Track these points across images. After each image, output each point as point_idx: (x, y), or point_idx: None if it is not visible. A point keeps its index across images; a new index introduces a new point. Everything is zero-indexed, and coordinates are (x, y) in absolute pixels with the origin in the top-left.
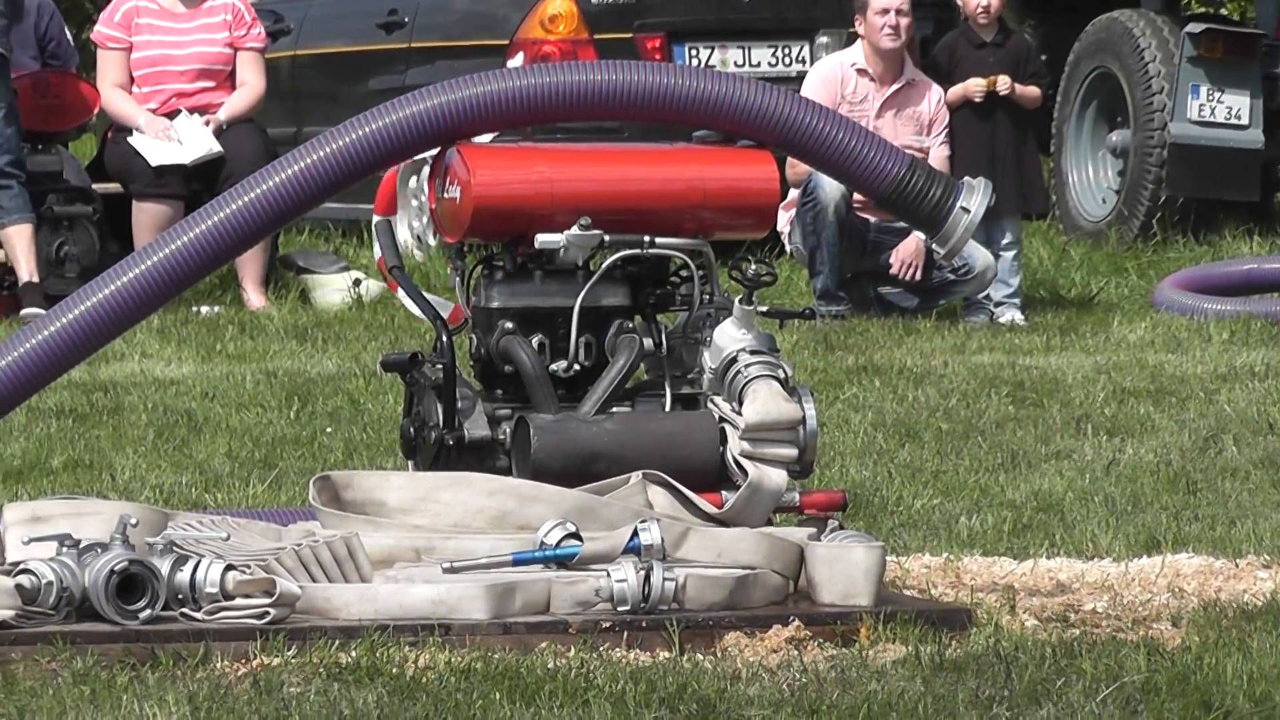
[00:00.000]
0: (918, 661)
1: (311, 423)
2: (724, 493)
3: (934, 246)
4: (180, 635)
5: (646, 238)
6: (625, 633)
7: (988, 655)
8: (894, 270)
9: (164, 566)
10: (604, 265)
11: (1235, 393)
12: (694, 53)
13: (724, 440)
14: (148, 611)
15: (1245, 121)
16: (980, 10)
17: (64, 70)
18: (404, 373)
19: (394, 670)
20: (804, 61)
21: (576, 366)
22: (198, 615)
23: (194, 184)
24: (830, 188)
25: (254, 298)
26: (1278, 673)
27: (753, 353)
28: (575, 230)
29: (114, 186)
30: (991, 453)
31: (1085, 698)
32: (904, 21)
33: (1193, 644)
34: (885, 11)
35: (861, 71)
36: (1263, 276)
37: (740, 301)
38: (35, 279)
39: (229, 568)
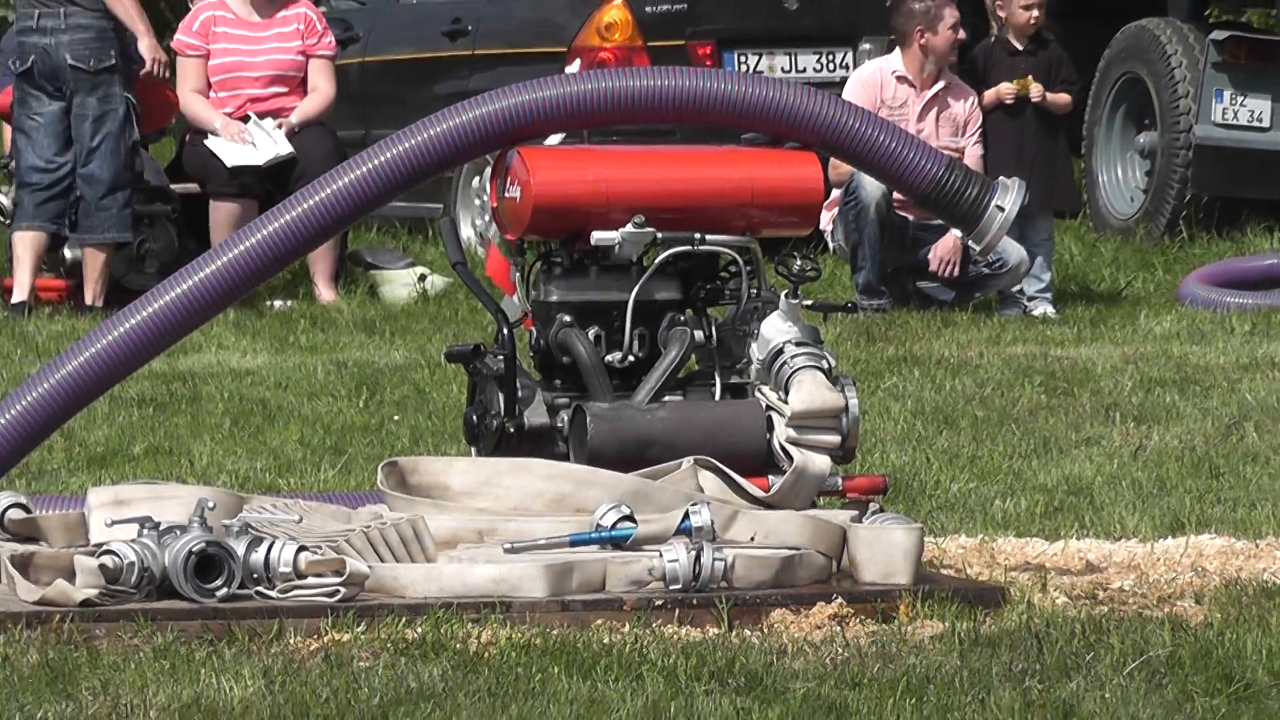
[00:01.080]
0: (954, 637)
1: (379, 411)
2: (771, 477)
3: (970, 243)
4: (255, 613)
5: (697, 235)
6: (677, 610)
7: (1020, 631)
8: (932, 266)
9: (240, 547)
10: (656, 261)
11: (1257, 382)
12: (742, 59)
13: (770, 428)
14: (224, 590)
15: (1267, 124)
16: (1028, 22)
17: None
18: (467, 363)
19: (457, 645)
20: (847, 67)
21: (631, 358)
22: (272, 594)
23: (267, 184)
24: (871, 187)
25: (325, 292)
26: None
27: (798, 344)
28: (629, 228)
29: (192, 186)
30: (1024, 439)
31: (1113, 671)
32: (962, 37)
33: (1215, 620)
34: (954, 26)
35: (901, 77)
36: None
37: (786, 296)
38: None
39: (301, 548)
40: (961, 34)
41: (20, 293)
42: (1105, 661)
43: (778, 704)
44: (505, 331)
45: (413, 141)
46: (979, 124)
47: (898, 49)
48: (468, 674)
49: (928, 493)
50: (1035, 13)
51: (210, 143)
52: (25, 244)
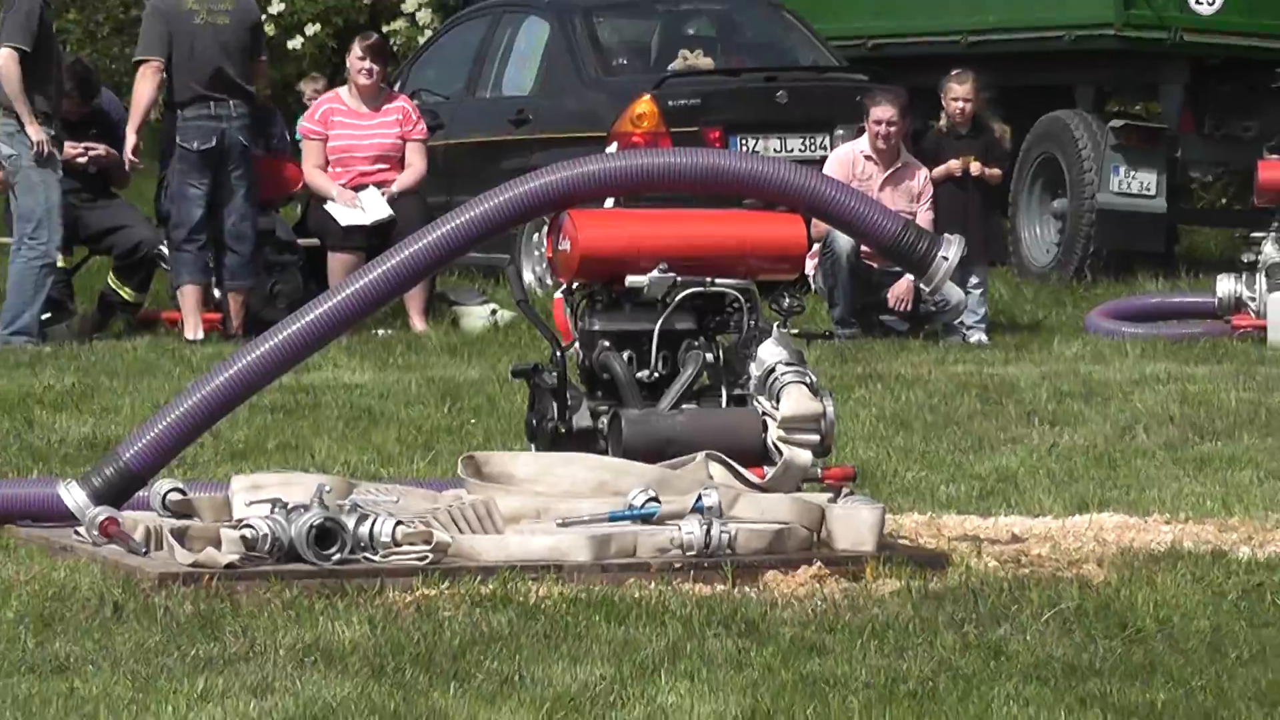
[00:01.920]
0: (908, 592)
1: (459, 416)
2: (765, 468)
3: (921, 285)
4: (361, 573)
5: (708, 279)
6: (692, 571)
7: (960, 588)
8: (891, 303)
9: (350, 522)
10: (676, 299)
11: (1145, 394)
12: (744, 141)
13: (765, 429)
14: (338, 556)
15: (1153, 193)
16: (959, 112)
17: (278, 155)
18: (528, 379)
19: (520, 599)
20: (825, 148)
21: (656, 374)
22: (375, 558)
23: (373, 240)
24: (843, 241)
25: (418, 323)
26: (1175, 601)
27: (787, 364)
28: (655, 274)
29: (314, 241)
30: (964, 438)
31: (1032, 619)
32: (892, 129)
33: (1112, 580)
34: (879, 123)
35: (868, 156)
36: (1167, 308)
37: (778, 326)
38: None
39: (398, 523)
40: (890, 129)
41: (195, 333)
42: (1026, 612)
43: (770, 644)
44: (558, 354)
45: (485, 206)
46: (930, 195)
47: (866, 134)
48: (528, 621)
49: (888, 480)
50: (963, 105)
51: (328, 207)
52: (194, 297)
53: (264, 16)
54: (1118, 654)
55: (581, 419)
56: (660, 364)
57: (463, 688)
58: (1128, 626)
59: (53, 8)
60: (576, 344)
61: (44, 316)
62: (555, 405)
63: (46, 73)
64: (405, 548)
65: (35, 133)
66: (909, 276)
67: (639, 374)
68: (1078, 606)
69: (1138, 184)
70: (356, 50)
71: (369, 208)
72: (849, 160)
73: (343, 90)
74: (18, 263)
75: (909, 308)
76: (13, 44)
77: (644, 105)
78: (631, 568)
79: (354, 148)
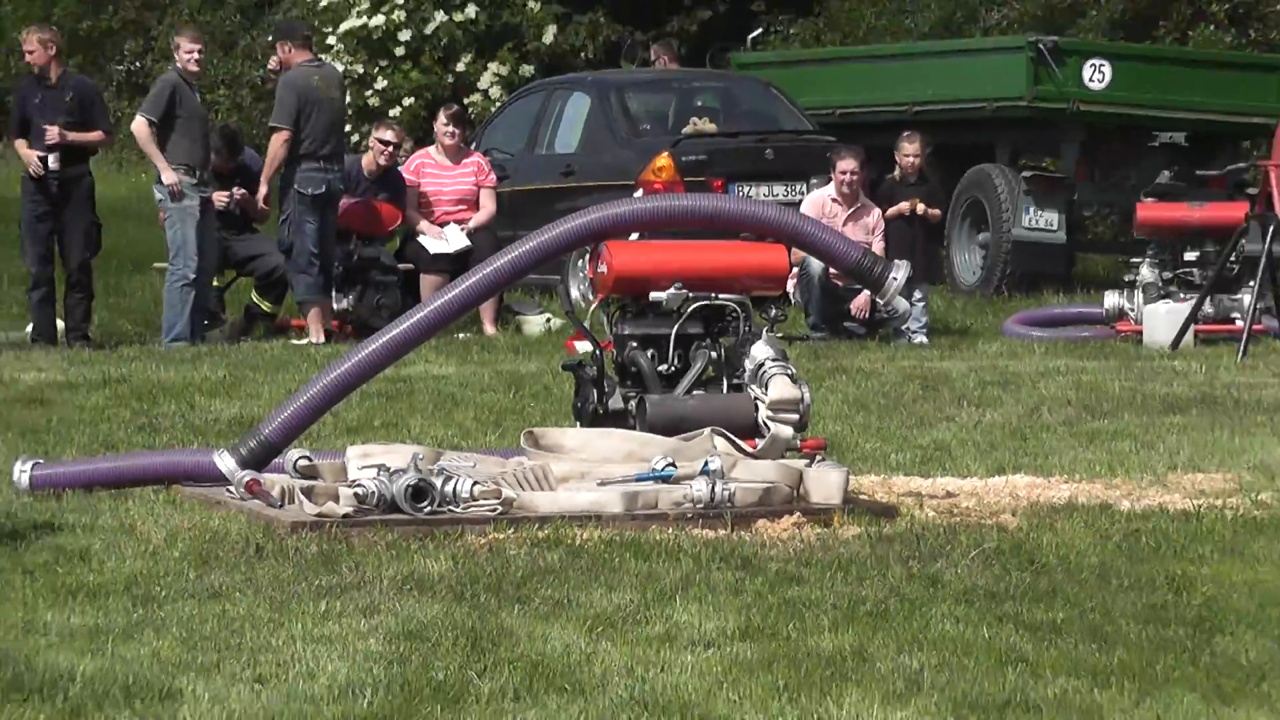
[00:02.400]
0: (867, 536)
1: (522, 400)
2: (757, 440)
3: (877, 299)
4: (446, 522)
5: (713, 294)
6: (700, 520)
7: (906, 532)
8: (854, 313)
9: (438, 482)
10: (689, 310)
11: (1049, 383)
12: (740, 188)
13: (756, 410)
14: (429, 508)
15: (1056, 228)
16: (910, 165)
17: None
18: (575, 371)
19: (568, 541)
20: (802, 193)
21: (673, 368)
22: (457, 511)
23: (455, 265)
24: (816, 265)
25: (489, 328)
26: (1071, 542)
27: (773, 360)
28: (672, 290)
29: (409, 265)
30: (909, 417)
31: (961, 556)
32: (854, 178)
33: (1023, 526)
34: (843, 173)
35: (835, 199)
36: (1066, 317)
37: (766, 330)
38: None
39: (475, 483)
40: (853, 178)
41: (318, 337)
42: (957, 550)
43: (760, 575)
44: (598, 353)
45: (542, 238)
46: (882, 229)
47: (832, 183)
48: (574, 558)
49: (850, 449)
50: (912, 159)
51: (420, 239)
52: (321, 314)
53: (370, 91)
54: (1027, 583)
55: (615, 403)
56: (675, 360)
57: (524, 609)
58: (1035, 562)
59: (193, 86)
60: (610, 343)
61: (205, 324)
62: (595, 392)
63: (191, 134)
64: (480, 502)
65: (168, 177)
66: (867, 292)
67: (659, 368)
68: (996, 547)
69: (1043, 221)
70: (442, 118)
71: (452, 240)
72: (820, 203)
73: (431, 149)
74: (167, 283)
75: (867, 316)
76: (145, 115)
77: (663, 160)
78: (654, 517)
79: (439, 193)
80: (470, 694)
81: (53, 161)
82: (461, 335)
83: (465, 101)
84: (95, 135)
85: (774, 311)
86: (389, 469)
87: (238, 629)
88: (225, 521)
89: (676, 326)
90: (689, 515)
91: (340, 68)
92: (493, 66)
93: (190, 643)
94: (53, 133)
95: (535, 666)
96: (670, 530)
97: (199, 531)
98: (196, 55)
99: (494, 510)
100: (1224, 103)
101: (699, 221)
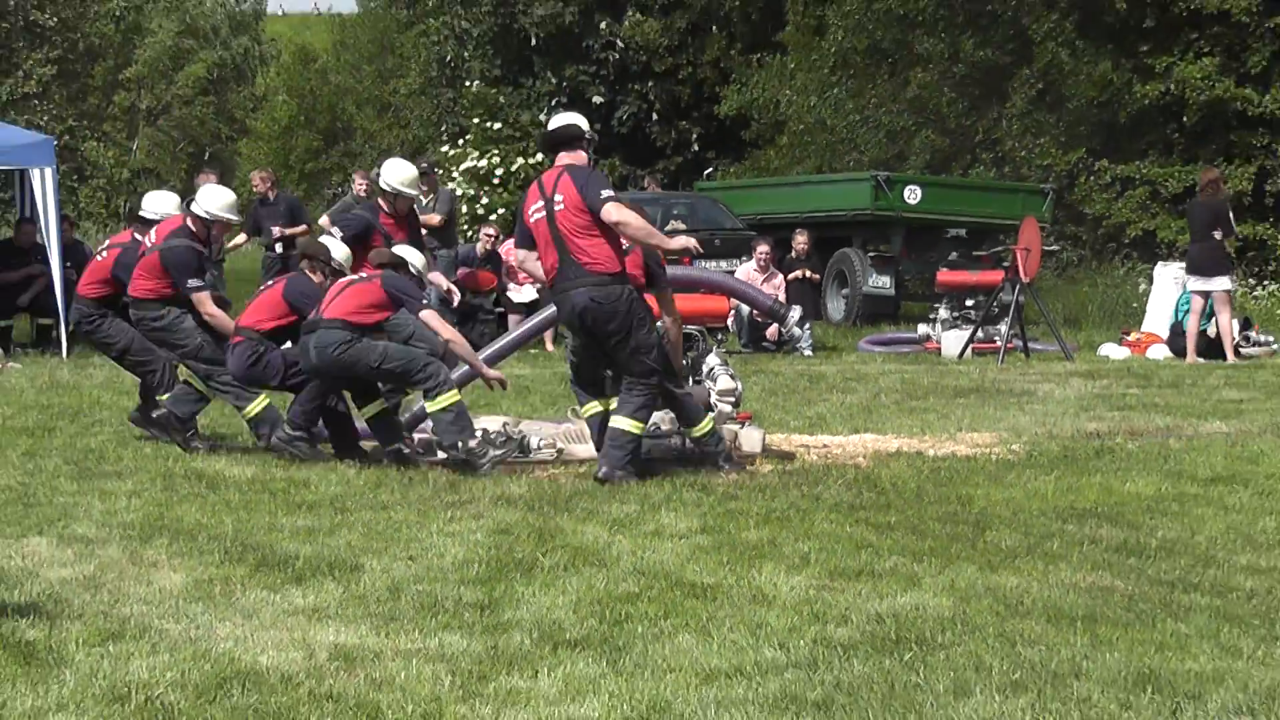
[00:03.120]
0: (777, 471)
1: (569, 390)
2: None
3: (782, 329)
4: (522, 462)
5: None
6: (678, 460)
7: (800, 469)
8: (768, 337)
9: (518, 437)
10: None
11: (887, 379)
12: (700, 263)
13: (709, 395)
14: (502, 455)
15: (889, 287)
16: (802, 250)
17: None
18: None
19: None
20: (736, 266)
21: None
22: (528, 456)
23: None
24: (745, 308)
25: (549, 346)
26: (900, 474)
27: (720, 365)
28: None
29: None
30: (803, 399)
31: (833, 484)
32: (767, 257)
33: (872, 465)
34: (761, 254)
35: (756, 270)
36: (895, 339)
37: (715, 347)
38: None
39: (540, 439)
40: (768, 256)
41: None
42: (830, 479)
43: (712, 495)
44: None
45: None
46: (784, 287)
47: (754, 259)
48: (600, 485)
49: (766, 419)
50: (802, 245)
51: (509, 293)
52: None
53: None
54: (873, 499)
55: None
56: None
57: (569, 515)
58: (877, 486)
59: (360, 203)
60: None
61: None
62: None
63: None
64: (542, 450)
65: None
66: (776, 324)
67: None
68: (853, 477)
69: (881, 282)
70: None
71: (525, 294)
72: (747, 272)
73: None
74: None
75: (776, 339)
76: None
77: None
78: (649, 460)
79: (523, 264)
80: (538, 565)
81: (277, 247)
82: (533, 350)
83: None
84: (300, 229)
85: (719, 335)
86: (487, 431)
87: (397, 528)
88: (390, 464)
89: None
90: (671, 458)
91: (459, 192)
92: None
93: (369, 536)
94: (275, 231)
95: (576, 550)
96: (658, 467)
97: (371, 469)
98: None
99: (551, 456)
100: (988, 211)
101: (694, 283)
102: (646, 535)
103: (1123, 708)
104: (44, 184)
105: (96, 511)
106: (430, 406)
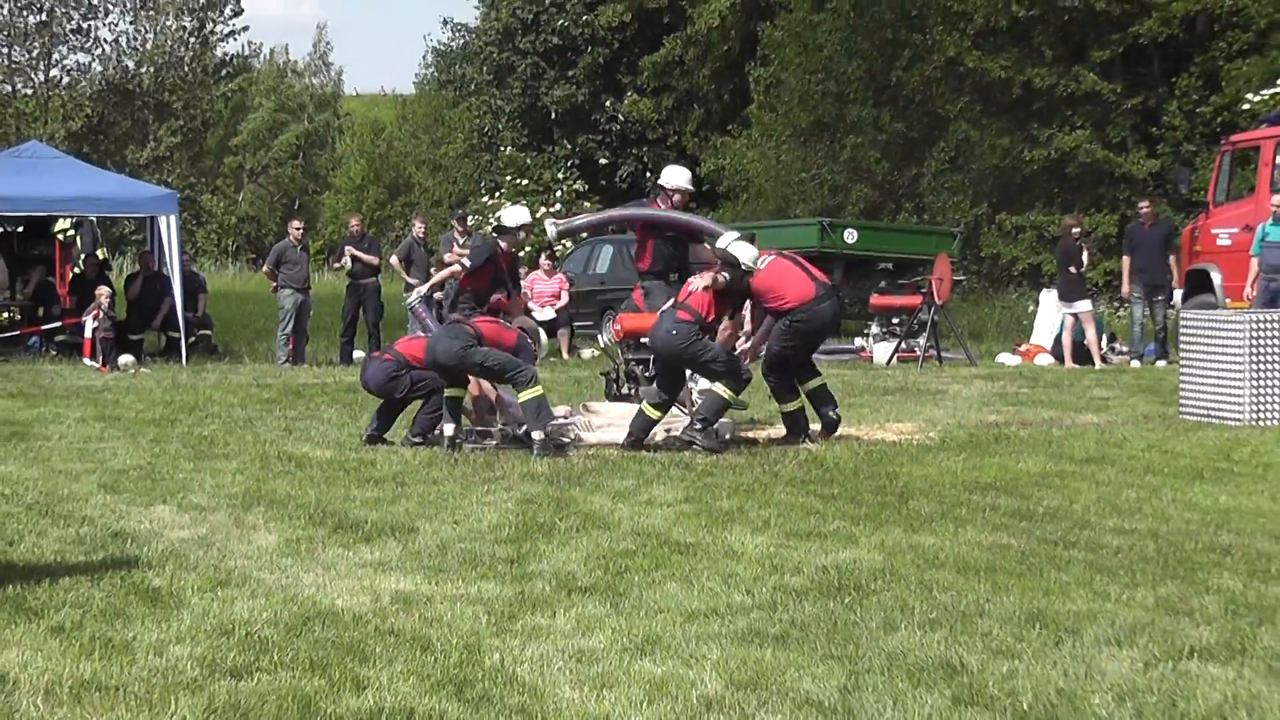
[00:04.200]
0: (744, 453)
1: (581, 388)
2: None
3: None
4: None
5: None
6: (667, 445)
7: (763, 451)
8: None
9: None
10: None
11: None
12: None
13: (692, 394)
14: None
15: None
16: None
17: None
18: (606, 375)
19: (604, 456)
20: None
21: (650, 374)
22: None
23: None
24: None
25: (565, 355)
26: (840, 455)
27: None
28: (646, 338)
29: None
30: (763, 395)
31: (789, 462)
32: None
33: (822, 447)
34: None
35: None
36: (838, 349)
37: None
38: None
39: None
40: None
41: None
42: (786, 459)
43: (693, 472)
44: (616, 364)
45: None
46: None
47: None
48: (605, 463)
49: (734, 413)
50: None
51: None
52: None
53: None
54: (820, 475)
55: (626, 391)
56: (652, 370)
57: (581, 488)
58: (823, 465)
59: (419, 243)
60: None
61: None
62: (614, 386)
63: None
64: (570, 433)
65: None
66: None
67: (645, 374)
68: (805, 459)
69: None
70: (545, 262)
71: (545, 314)
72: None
73: (540, 270)
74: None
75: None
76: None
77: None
78: (648, 445)
79: (542, 291)
80: (556, 528)
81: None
82: (551, 359)
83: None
84: (374, 259)
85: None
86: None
87: (445, 497)
88: (440, 449)
89: (653, 355)
90: (657, 441)
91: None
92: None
93: (422, 505)
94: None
95: (586, 516)
96: (652, 451)
97: (427, 452)
98: (423, 229)
99: (568, 440)
100: (910, 249)
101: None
102: (641, 504)
103: (1016, 640)
104: (169, 228)
105: (208, 485)
106: (520, 396)
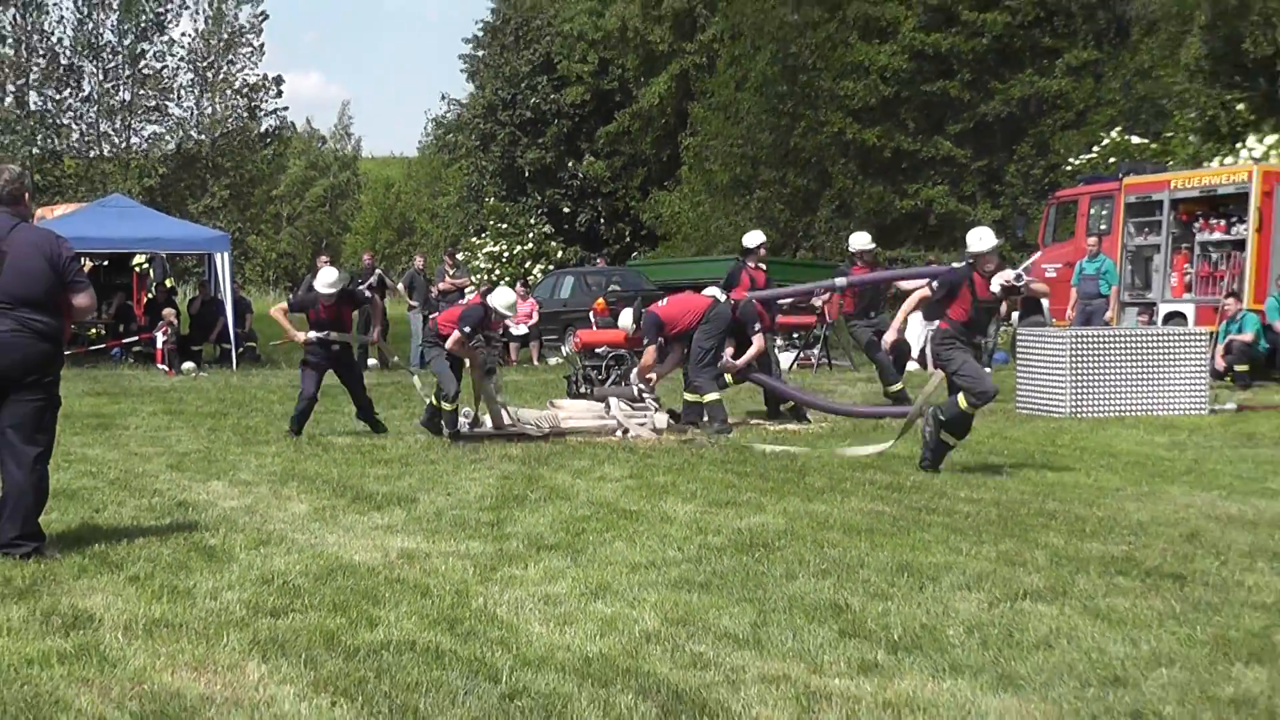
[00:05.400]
0: (676, 441)
1: (548, 389)
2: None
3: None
4: (517, 435)
5: (612, 349)
6: (617, 434)
7: (691, 441)
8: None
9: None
10: (609, 356)
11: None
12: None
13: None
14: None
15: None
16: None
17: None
18: (568, 378)
19: (566, 443)
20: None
21: (603, 377)
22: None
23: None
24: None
25: (535, 362)
26: (762, 442)
27: (636, 374)
28: (603, 348)
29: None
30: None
31: (719, 451)
32: None
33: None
34: None
35: None
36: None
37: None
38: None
39: (527, 421)
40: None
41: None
42: (715, 448)
43: (635, 454)
44: (577, 369)
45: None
46: None
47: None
48: (568, 449)
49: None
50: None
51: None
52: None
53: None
54: (736, 456)
55: (583, 390)
56: (605, 374)
57: (548, 468)
58: (739, 449)
59: (422, 275)
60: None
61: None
62: (574, 386)
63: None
64: (530, 427)
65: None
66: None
67: (599, 378)
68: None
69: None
70: (520, 289)
71: (519, 330)
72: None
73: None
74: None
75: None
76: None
77: (600, 301)
78: (600, 433)
79: (519, 314)
80: (528, 499)
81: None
82: (524, 365)
83: (529, 279)
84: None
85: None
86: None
87: (441, 475)
88: (438, 437)
89: (605, 362)
90: (616, 435)
91: (484, 267)
92: (537, 268)
93: (422, 480)
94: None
95: (551, 489)
96: (606, 439)
97: (428, 439)
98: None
99: (539, 431)
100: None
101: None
102: (595, 479)
103: (889, 585)
104: (222, 263)
105: (253, 465)
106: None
